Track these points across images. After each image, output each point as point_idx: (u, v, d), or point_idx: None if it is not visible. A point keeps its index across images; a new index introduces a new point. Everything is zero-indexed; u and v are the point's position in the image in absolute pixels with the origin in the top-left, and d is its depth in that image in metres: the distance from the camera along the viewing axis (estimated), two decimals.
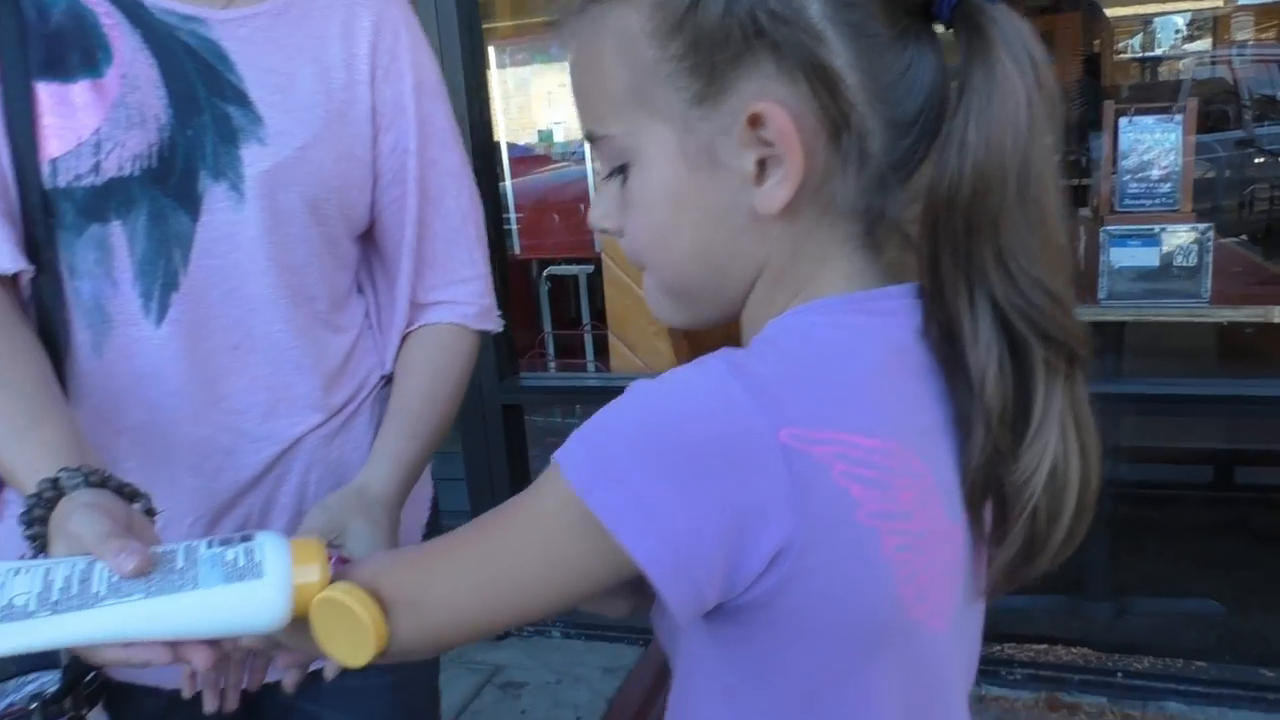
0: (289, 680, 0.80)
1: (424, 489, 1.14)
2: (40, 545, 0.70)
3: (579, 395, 3.05)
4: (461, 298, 1.05)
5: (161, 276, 0.88)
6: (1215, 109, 5.44)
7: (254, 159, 0.90)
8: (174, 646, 0.64)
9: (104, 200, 0.86)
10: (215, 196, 0.89)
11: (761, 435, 0.53)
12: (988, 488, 0.59)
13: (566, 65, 0.64)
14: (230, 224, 0.89)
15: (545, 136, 3.36)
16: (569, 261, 3.24)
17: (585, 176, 3.31)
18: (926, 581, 0.59)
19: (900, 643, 0.60)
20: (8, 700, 0.84)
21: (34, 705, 0.79)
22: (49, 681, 0.84)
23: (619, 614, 0.78)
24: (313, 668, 0.99)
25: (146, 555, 0.63)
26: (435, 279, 1.03)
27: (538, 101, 3.37)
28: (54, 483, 0.72)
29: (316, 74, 0.94)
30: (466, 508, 2.79)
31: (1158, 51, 7.68)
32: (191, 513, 0.93)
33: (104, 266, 0.87)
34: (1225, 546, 3.01)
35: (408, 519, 1.03)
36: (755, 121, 0.57)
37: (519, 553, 0.59)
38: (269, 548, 0.65)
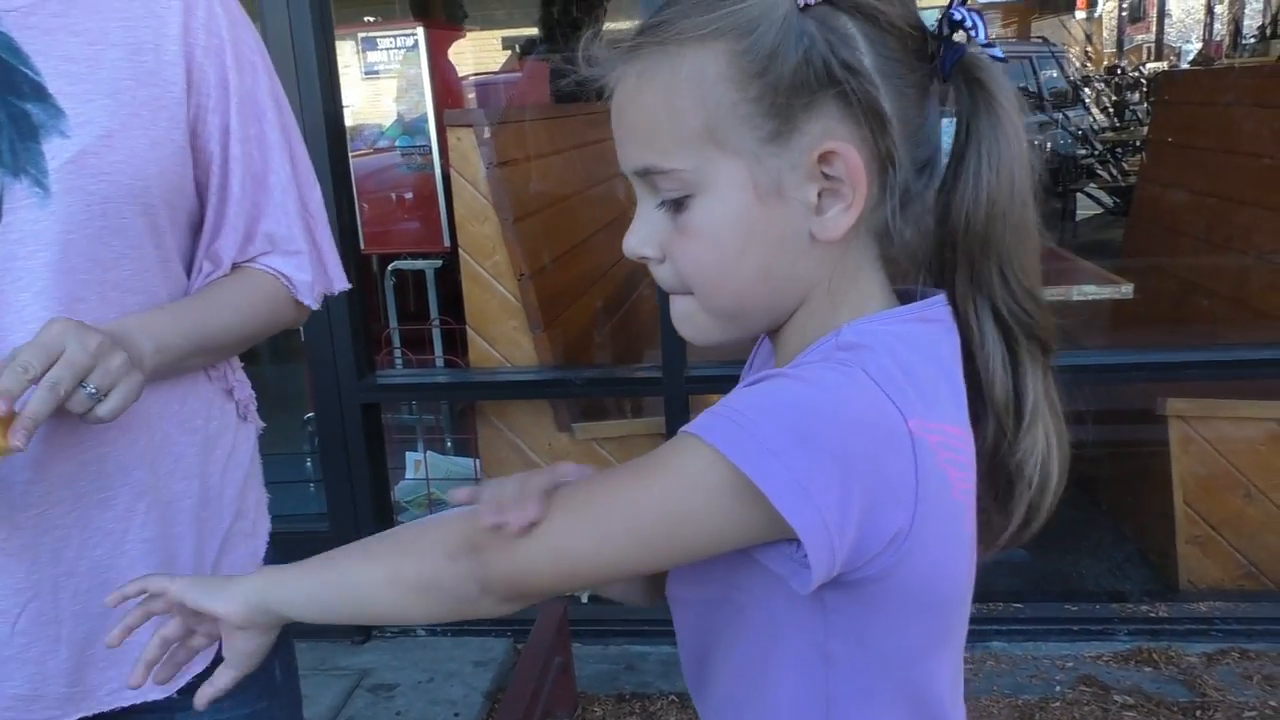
0: (200, 697, 0.78)
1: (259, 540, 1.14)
2: None
3: (442, 391, 3.00)
4: (278, 267, 1.04)
5: None
6: None
7: (56, 152, 0.87)
8: None
9: None
10: (16, 195, 0.86)
11: (899, 424, 0.62)
12: (996, 467, 0.70)
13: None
14: (34, 221, 0.87)
15: (392, 130, 3.29)
16: (414, 256, 3.19)
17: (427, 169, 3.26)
18: (972, 549, 0.70)
19: (968, 600, 0.71)
20: None
21: None
22: None
23: (643, 603, 0.83)
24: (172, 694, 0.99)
25: None
26: (255, 251, 1.03)
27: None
28: None
29: (124, 57, 0.91)
30: (324, 509, 2.70)
31: None
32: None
33: None
34: None
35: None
36: (825, 158, 0.65)
37: (647, 507, 0.64)
38: None
